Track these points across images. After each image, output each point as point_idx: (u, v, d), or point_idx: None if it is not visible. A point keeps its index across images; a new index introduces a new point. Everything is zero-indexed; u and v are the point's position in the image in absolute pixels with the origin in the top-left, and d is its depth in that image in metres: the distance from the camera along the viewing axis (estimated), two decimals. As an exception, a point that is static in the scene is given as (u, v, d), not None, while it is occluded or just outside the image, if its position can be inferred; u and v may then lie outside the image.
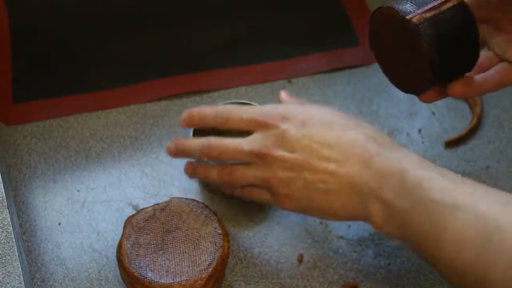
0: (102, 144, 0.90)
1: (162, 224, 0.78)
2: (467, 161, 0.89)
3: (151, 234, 0.77)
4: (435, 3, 0.70)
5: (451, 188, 0.65)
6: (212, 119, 0.79)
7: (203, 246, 0.76)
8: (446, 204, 0.64)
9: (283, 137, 0.75)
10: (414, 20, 0.70)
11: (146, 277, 0.74)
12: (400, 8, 0.71)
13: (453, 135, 0.91)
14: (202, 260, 0.75)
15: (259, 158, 0.75)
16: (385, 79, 0.77)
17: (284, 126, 0.75)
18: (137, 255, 0.76)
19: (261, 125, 0.77)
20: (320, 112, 0.77)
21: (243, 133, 0.78)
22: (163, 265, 0.75)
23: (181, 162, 0.88)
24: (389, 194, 0.69)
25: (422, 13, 0.70)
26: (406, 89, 0.75)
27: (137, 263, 0.75)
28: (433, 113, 0.93)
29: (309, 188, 0.73)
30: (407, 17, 0.70)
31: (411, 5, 0.71)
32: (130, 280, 0.75)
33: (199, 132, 0.85)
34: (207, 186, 0.86)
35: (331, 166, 0.72)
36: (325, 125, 0.75)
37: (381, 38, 0.75)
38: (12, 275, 0.69)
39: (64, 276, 0.80)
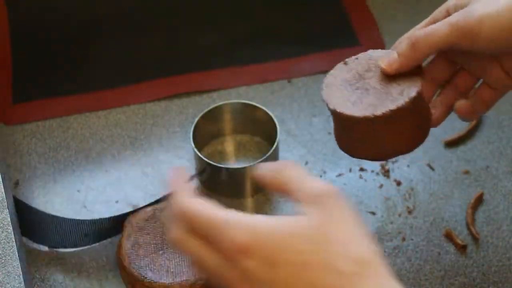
0: (102, 144, 0.90)
1: (162, 224, 0.78)
2: (467, 161, 0.88)
3: (151, 234, 0.77)
4: None
5: None
6: None
7: (203, 246, 0.76)
8: None
9: (244, 276, 0.54)
10: None
11: (146, 277, 0.74)
12: None
13: (453, 135, 0.91)
14: (202, 260, 0.75)
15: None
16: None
17: (244, 263, 0.54)
18: (137, 255, 0.76)
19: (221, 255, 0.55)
20: (296, 241, 0.54)
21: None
22: (163, 265, 0.75)
23: (182, 162, 0.88)
24: None
25: None
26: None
27: (137, 263, 0.75)
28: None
29: None
30: None
31: None
32: (130, 280, 0.75)
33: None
34: (207, 186, 0.86)
35: None
36: (299, 266, 0.53)
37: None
38: (12, 275, 0.69)
39: (64, 276, 0.80)
